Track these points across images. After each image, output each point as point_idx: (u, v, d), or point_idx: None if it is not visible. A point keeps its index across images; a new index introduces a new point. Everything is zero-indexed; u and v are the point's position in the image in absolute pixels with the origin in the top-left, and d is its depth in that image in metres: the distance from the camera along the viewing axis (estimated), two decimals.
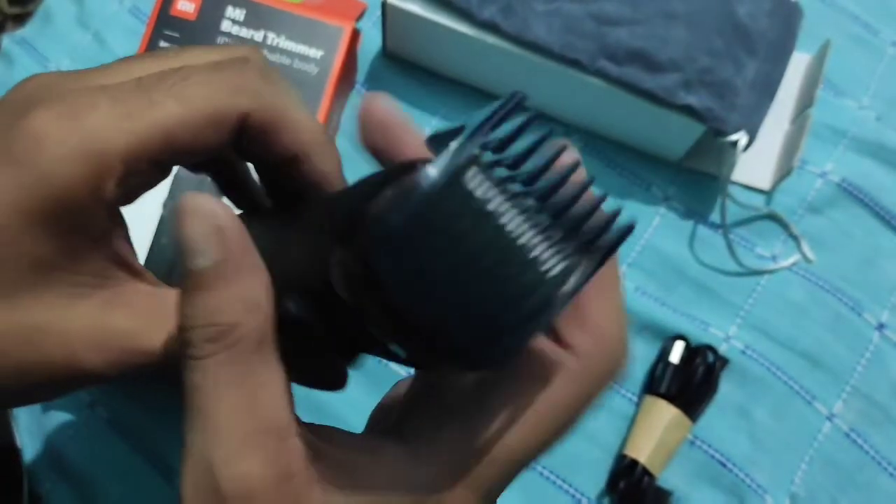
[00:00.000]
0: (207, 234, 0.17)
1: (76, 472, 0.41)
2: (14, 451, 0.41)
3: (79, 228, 0.19)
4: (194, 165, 0.25)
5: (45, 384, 0.20)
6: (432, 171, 0.15)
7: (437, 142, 0.18)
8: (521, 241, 0.16)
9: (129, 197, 0.22)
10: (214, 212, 0.17)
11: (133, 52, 0.48)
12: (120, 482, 0.41)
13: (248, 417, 0.17)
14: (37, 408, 0.42)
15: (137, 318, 0.21)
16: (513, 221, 0.15)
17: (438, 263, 0.15)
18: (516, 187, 0.16)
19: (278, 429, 0.17)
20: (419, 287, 0.15)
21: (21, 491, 0.40)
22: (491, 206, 0.15)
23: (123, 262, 0.21)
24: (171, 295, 0.22)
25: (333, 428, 0.20)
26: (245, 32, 0.41)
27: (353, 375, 0.23)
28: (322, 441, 0.19)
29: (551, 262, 0.16)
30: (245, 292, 0.17)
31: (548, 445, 0.19)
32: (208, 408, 0.17)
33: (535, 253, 0.16)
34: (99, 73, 0.21)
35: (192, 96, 0.20)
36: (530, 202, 0.16)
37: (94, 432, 0.42)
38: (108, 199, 0.19)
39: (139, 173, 0.20)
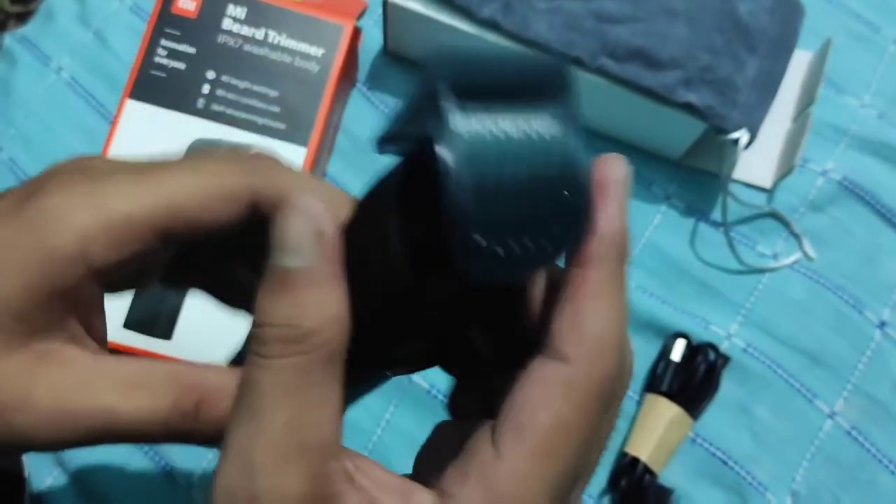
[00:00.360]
0: (309, 235, 0.17)
1: (77, 468, 0.41)
2: (20, 480, 0.41)
3: (56, 283, 0.19)
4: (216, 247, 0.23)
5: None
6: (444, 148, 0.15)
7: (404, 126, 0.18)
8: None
9: (138, 278, 0.22)
10: (321, 215, 0.17)
11: (134, 50, 0.48)
12: (122, 481, 0.41)
13: (300, 430, 0.17)
14: None
15: (72, 374, 0.19)
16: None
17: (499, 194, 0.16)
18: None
19: (325, 448, 0.17)
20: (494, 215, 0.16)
21: None
22: (499, 131, 0.16)
23: (91, 329, 0.21)
24: (122, 363, 0.20)
25: (373, 462, 0.19)
26: (246, 30, 0.41)
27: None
28: (359, 472, 0.18)
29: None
30: (331, 302, 0.17)
31: (573, 469, 0.18)
32: (264, 409, 0.17)
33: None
34: (128, 160, 0.22)
35: (203, 170, 0.20)
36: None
37: None
38: (98, 263, 0.19)
39: (145, 246, 0.20)
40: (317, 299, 0.17)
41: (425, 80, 0.16)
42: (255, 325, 0.18)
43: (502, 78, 0.16)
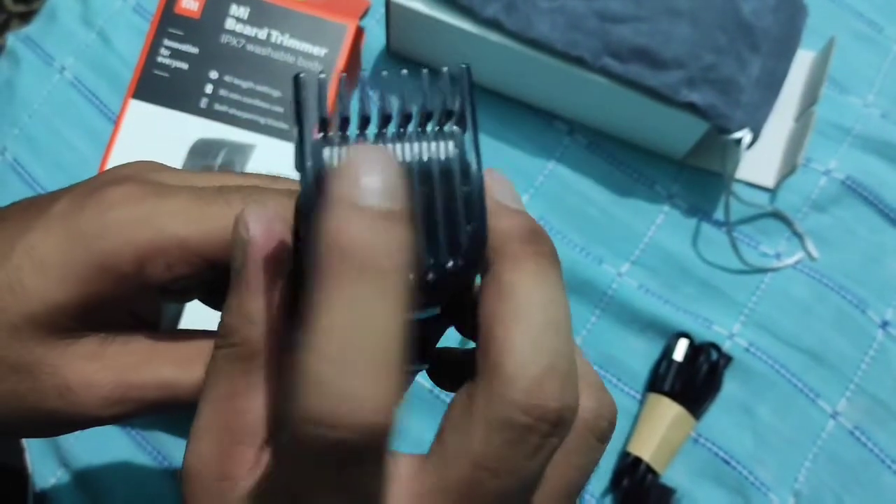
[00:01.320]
0: (241, 241, 0.19)
1: (81, 468, 0.42)
2: (22, 476, 0.41)
3: (113, 294, 0.21)
4: None
5: (36, 418, 0.21)
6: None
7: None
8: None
9: (184, 293, 0.24)
10: (248, 225, 0.18)
11: (137, 50, 0.48)
12: (124, 479, 0.41)
13: (219, 412, 0.19)
14: None
15: (132, 355, 0.21)
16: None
17: None
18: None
19: (235, 432, 0.18)
20: None
21: None
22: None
23: (139, 318, 0.23)
24: (177, 341, 0.22)
25: None
26: (249, 30, 0.41)
27: None
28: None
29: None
30: (247, 306, 0.19)
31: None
32: (204, 391, 0.19)
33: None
34: (193, 175, 0.23)
35: (262, 202, 0.21)
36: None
37: (99, 430, 0.42)
38: (151, 280, 0.20)
39: (196, 270, 0.21)
40: (237, 302, 0.19)
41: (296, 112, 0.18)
42: None
43: (394, 101, 0.18)
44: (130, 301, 0.22)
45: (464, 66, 0.19)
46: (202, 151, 0.40)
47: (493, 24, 0.42)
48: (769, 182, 0.47)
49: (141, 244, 0.20)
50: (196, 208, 0.21)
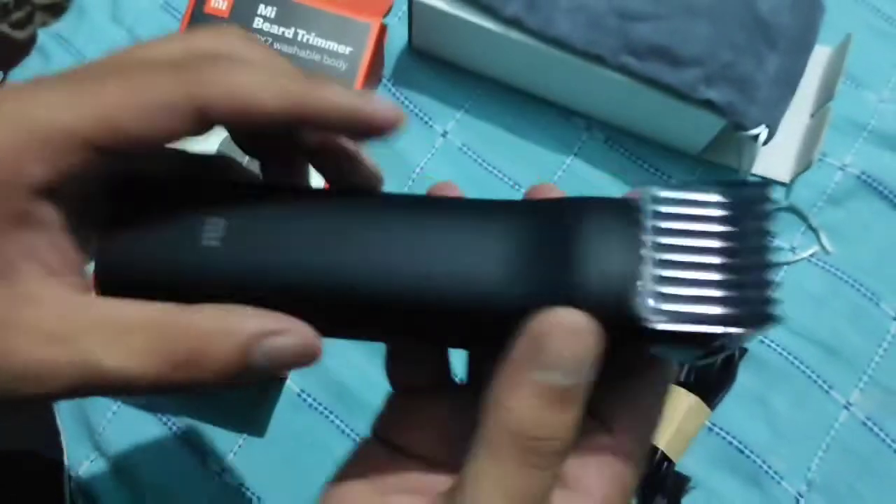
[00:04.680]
0: (588, 357, 0.18)
1: (114, 453, 0.43)
2: (59, 466, 0.42)
3: (20, 216, 0.18)
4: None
5: None
6: None
7: None
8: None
9: (80, 191, 0.20)
10: (590, 331, 0.18)
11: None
12: (157, 464, 0.43)
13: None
14: None
15: (54, 319, 0.18)
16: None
17: None
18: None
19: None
20: None
21: None
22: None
23: (39, 259, 0.19)
24: (107, 307, 0.19)
25: None
26: (276, 29, 0.42)
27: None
28: None
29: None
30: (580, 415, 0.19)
31: None
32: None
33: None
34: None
35: (138, 81, 0.19)
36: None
37: (131, 414, 0.44)
38: (35, 180, 0.18)
39: (83, 161, 0.19)
40: (578, 413, 0.17)
41: None
42: (505, 421, 0.17)
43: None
44: (30, 217, 0.18)
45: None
46: (230, 147, 0.41)
47: (514, 23, 0.43)
48: (785, 177, 0.48)
49: (14, 141, 0.18)
50: (68, 96, 0.19)
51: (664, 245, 0.17)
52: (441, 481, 0.20)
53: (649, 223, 0.18)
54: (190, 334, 0.18)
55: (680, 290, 0.17)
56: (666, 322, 0.17)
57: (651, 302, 0.17)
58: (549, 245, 0.18)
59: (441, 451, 0.22)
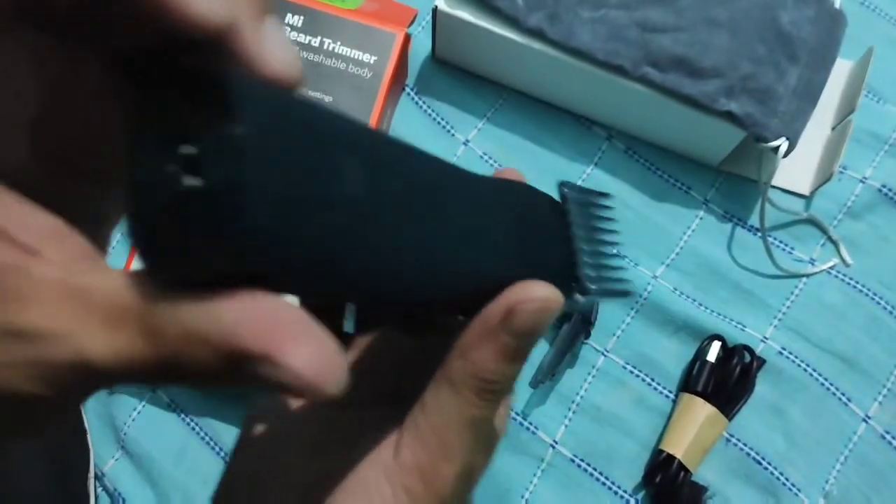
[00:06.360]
0: (545, 325, 0.22)
1: (138, 451, 0.44)
2: (85, 466, 0.43)
3: None
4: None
5: None
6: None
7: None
8: None
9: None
10: (554, 301, 0.22)
11: None
12: (177, 460, 0.44)
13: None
14: (103, 391, 0.45)
15: (42, 316, 0.14)
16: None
17: None
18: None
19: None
20: None
21: None
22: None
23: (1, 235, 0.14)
24: (88, 278, 0.14)
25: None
26: (303, 38, 0.43)
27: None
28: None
29: None
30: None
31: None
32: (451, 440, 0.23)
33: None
34: None
35: None
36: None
37: (154, 413, 0.44)
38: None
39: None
40: (524, 362, 0.22)
41: None
42: (470, 369, 0.21)
43: None
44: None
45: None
46: None
47: (536, 34, 0.44)
48: (805, 189, 0.48)
49: None
50: None
51: (581, 236, 0.24)
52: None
53: (574, 219, 0.24)
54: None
55: (595, 269, 0.24)
56: (595, 293, 0.23)
57: (586, 279, 0.23)
58: (525, 236, 0.23)
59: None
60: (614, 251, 0.25)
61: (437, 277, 0.19)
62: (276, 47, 0.15)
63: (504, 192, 0.23)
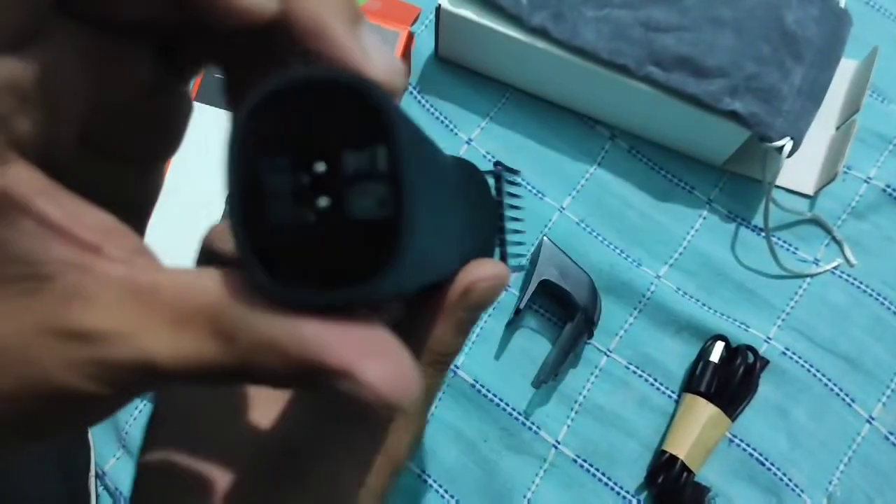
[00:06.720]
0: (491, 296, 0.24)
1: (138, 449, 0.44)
2: (86, 465, 0.43)
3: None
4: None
5: (30, 411, 0.14)
6: None
7: None
8: None
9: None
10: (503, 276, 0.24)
11: None
12: None
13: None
14: None
15: (106, 316, 0.13)
16: None
17: None
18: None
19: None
20: None
21: None
22: None
23: (57, 229, 0.13)
24: (167, 277, 0.14)
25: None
26: None
27: None
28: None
29: None
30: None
31: None
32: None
33: None
34: None
35: None
36: None
37: None
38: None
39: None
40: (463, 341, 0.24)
41: None
42: (427, 344, 0.23)
43: None
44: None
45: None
46: None
47: (540, 32, 0.43)
48: (809, 189, 0.47)
49: None
50: None
51: (506, 216, 0.27)
52: None
53: (504, 200, 0.27)
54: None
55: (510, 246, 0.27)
56: (512, 270, 0.25)
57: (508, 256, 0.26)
58: (477, 216, 0.25)
59: None
60: (519, 227, 0.28)
61: (449, 266, 0.21)
62: (379, 53, 0.15)
63: (465, 172, 0.24)
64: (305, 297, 0.13)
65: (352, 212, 0.13)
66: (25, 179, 0.13)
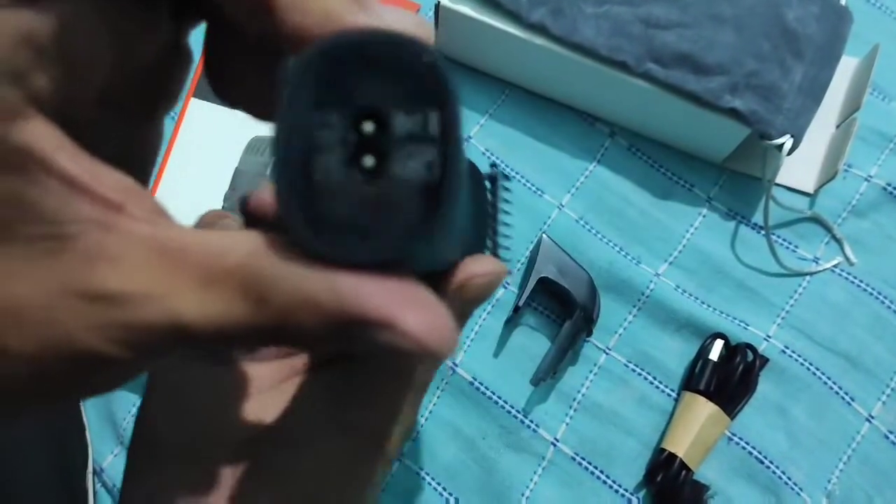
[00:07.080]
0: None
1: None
2: (84, 462, 0.43)
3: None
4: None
5: (50, 375, 0.13)
6: None
7: None
8: None
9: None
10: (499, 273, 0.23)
11: (198, 50, 0.50)
12: None
13: None
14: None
15: (133, 277, 0.13)
16: None
17: None
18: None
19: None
20: None
21: None
22: None
23: (79, 186, 0.13)
24: (195, 237, 0.14)
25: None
26: None
27: None
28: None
29: None
30: None
31: None
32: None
33: None
34: None
35: None
36: None
37: None
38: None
39: None
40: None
41: None
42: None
43: None
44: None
45: None
46: (258, 148, 0.42)
47: (538, 29, 0.43)
48: (809, 187, 0.47)
49: None
50: None
51: (499, 218, 0.27)
52: None
53: (498, 200, 0.27)
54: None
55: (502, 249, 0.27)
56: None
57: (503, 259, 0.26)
58: (475, 210, 0.25)
59: None
60: (507, 233, 0.28)
61: (453, 254, 0.21)
62: (402, 24, 0.14)
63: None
64: (348, 252, 0.13)
65: (398, 173, 0.13)
66: (46, 136, 0.13)
